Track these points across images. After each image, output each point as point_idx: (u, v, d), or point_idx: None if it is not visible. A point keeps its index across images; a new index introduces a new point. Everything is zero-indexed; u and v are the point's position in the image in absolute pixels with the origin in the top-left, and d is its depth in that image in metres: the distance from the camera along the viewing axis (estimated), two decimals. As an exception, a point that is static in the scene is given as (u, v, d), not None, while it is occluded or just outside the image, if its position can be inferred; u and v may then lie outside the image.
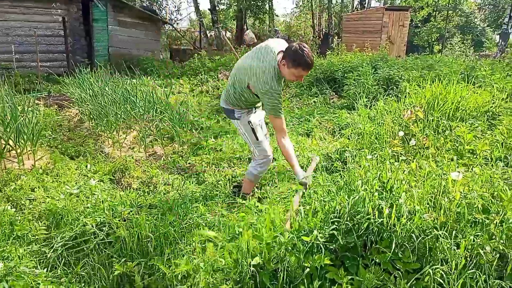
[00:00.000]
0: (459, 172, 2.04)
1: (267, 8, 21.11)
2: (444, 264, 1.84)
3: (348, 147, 3.68)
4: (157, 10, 20.75)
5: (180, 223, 2.47)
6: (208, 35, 19.82)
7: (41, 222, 2.60)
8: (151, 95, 5.34)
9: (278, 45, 2.73)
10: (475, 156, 3.33)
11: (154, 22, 13.82)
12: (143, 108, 5.00)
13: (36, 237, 2.41)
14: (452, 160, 3.19)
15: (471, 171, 2.79)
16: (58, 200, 2.86)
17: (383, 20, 12.79)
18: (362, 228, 1.95)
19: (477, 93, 4.83)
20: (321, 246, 1.86)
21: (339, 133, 4.80)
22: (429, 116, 3.82)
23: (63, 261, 2.28)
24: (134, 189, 3.45)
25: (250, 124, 2.93)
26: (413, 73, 6.24)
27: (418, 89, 4.76)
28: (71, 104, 6.20)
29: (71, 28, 11.34)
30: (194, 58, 11.87)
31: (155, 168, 3.96)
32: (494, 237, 1.97)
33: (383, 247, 1.92)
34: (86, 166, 3.87)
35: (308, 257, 1.85)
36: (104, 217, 2.48)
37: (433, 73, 6.08)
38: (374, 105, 4.96)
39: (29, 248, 2.31)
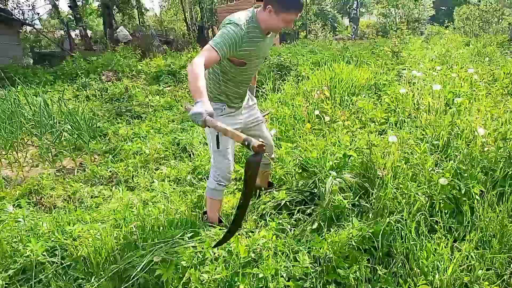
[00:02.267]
0: (395, 135, 2.44)
1: (134, 3, 20.23)
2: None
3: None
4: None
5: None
6: (73, 34, 18.11)
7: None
8: (43, 105, 4.77)
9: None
10: (374, 123, 3.91)
11: (11, 24, 12.04)
12: (38, 121, 4.46)
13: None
14: (361, 127, 3.71)
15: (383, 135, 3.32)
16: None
17: (256, 11, 13.45)
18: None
19: (359, 71, 5.59)
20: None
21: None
22: (333, 94, 4.31)
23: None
24: (60, 208, 3.13)
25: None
26: (300, 58, 6.83)
27: (316, 71, 5.28)
28: None
29: None
30: (67, 61, 10.78)
31: (73, 182, 3.63)
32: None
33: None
34: (-14, 194, 3.34)
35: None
36: (53, 241, 2.25)
37: (317, 57, 6.78)
38: (278, 89, 5.34)
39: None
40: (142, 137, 4.87)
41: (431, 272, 2.05)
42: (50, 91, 8.08)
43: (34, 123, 4.52)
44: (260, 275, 2.00)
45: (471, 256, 2.14)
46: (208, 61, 2.00)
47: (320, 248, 2.12)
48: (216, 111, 2.17)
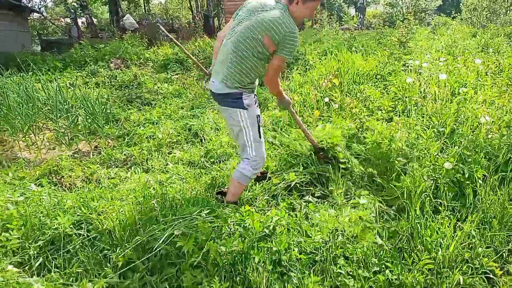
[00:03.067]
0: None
1: (141, -9, 20.21)
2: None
3: (281, 118, 4.04)
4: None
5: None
6: (80, 22, 18.16)
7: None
8: (58, 91, 4.90)
9: None
10: (381, 111, 4.02)
11: (20, 11, 12.13)
12: (53, 105, 4.59)
13: (7, 248, 2.21)
14: (369, 115, 3.81)
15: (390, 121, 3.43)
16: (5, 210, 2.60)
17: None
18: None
19: (366, 60, 5.67)
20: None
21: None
22: (341, 82, 4.41)
23: (46, 266, 2.17)
24: (80, 188, 3.28)
25: (259, 118, 2.53)
26: (308, 46, 6.90)
27: (324, 60, 5.37)
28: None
29: None
30: (75, 48, 10.88)
31: (91, 164, 3.77)
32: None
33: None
34: (8, 174, 3.49)
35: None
36: (78, 215, 2.40)
37: (325, 46, 6.84)
38: (287, 78, 5.43)
39: (5, 260, 2.12)
40: (153, 122, 5.00)
41: (434, 249, 2.18)
42: (60, 78, 8.21)
43: (50, 108, 4.65)
44: (274, 249, 2.15)
45: (473, 235, 2.27)
46: None
47: (332, 224, 2.26)
48: (248, 97, 2.45)
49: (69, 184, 3.39)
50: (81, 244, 2.27)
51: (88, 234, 2.31)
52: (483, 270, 2.09)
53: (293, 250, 2.16)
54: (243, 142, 2.54)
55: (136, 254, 2.17)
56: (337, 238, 2.23)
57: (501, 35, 11.19)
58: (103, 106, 4.84)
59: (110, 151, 4.08)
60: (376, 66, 5.32)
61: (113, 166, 3.86)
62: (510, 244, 2.29)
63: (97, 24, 21.20)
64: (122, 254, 2.13)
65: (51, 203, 2.65)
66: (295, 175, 2.87)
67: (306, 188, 2.84)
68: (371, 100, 4.06)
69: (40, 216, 2.45)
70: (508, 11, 15.82)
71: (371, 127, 3.19)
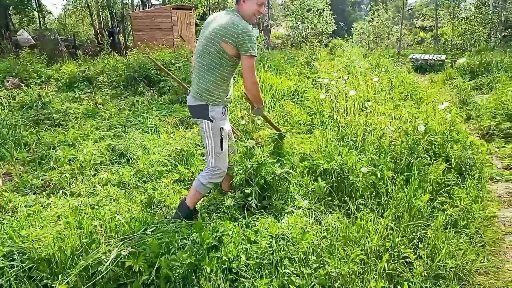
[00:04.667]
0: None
1: (36, 5, 18.66)
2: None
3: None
4: None
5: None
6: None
7: None
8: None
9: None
10: (300, 124, 4.39)
11: None
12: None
13: None
14: (291, 129, 4.14)
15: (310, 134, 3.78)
16: None
17: (172, 18, 13.48)
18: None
19: (280, 78, 6.11)
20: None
21: (183, 126, 5.21)
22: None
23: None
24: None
25: (222, 131, 2.64)
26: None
27: (240, 79, 5.63)
28: None
29: None
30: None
31: (5, 192, 3.43)
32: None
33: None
34: None
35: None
36: (9, 246, 2.21)
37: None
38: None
39: None
40: (69, 144, 4.71)
41: (361, 242, 2.50)
42: None
43: None
44: (224, 258, 2.25)
45: (390, 227, 2.64)
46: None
47: (274, 230, 2.44)
48: (214, 109, 2.58)
49: (-19, 215, 3.05)
50: (15, 276, 2.09)
51: (23, 265, 2.14)
52: (402, 256, 2.46)
53: (241, 257, 2.29)
54: (206, 151, 2.73)
55: (81, 279, 2.09)
56: (279, 242, 2.42)
57: (386, 56, 12.85)
58: (11, 130, 4.42)
59: (25, 177, 3.75)
60: (290, 84, 5.77)
61: (29, 193, 3.56)
62: (418, 232, 2.71)
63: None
64: (66, 281, 2.03)
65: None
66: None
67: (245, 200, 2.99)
68: (291, 115, 4.42)
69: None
70: (390, 36, 18.22)
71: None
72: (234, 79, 2.72)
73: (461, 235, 2.70)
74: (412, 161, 3.34)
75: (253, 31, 2.48)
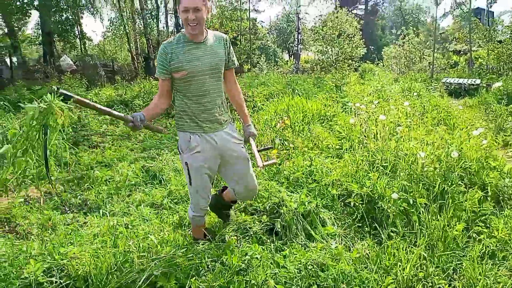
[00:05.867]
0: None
1: (78, 32, 19.86)
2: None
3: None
4: None
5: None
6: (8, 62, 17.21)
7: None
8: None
9: None
10: (329, 149, 4.40)
11: None
12: None
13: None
14: (320, 153, 4.15)
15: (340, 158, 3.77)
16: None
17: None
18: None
19: (309, 102, 6.16)
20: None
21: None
22: (291, 123, 4.77)
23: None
24: (36, 236, 3.13)
25: (187, 166, 2.42)
26: (255, 90, 7.32)
27: (271, 103, 5.75)
28: None
29: None
30: (8, 89, 10.32)
31: (45, 211, 3.61)
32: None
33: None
34: None
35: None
36: (49, 262, 2.32)
37: (270, 89, 7.30)
38: (237, 119, 5.69)
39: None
40: (106, 165, 4.91)
41: (393, 271, 2.45)
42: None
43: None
44: (253, 282, 2.26)
45: (423, 257, 2.57)
46: (161, 89, 2.41)
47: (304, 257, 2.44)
48: (182, 138, 2.44)
49: (24, 232, 3.21)
50: (54, 292, 2.19)
51: (61, 281, 2.24)
52: (436, 287, 2.38)
53: (270, 281, 2.29)
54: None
55: (115, 297, 2.16)
56: (308, 267, 2.41)
57: (418, 80, 12.68)
58: (54, 150, 4.66)
59: (64, 196, 3.94)
60: (319, 107, 5.81)
61: (68, 212, 3.73)
62: (453, 263, 2.63)
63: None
64: (101, 298, 2.11)
65: (12, 252, 2.53)
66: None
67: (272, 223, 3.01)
68: (320, 139, 4.43)
69: (3, 266, 2.33)
70: (422, 59, 18.02)
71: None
72: (228, 103, 2.60)
73: (500, 267, 2.59)
74: (446, 189, 3.26)
75: (173, 49, 2.31)
